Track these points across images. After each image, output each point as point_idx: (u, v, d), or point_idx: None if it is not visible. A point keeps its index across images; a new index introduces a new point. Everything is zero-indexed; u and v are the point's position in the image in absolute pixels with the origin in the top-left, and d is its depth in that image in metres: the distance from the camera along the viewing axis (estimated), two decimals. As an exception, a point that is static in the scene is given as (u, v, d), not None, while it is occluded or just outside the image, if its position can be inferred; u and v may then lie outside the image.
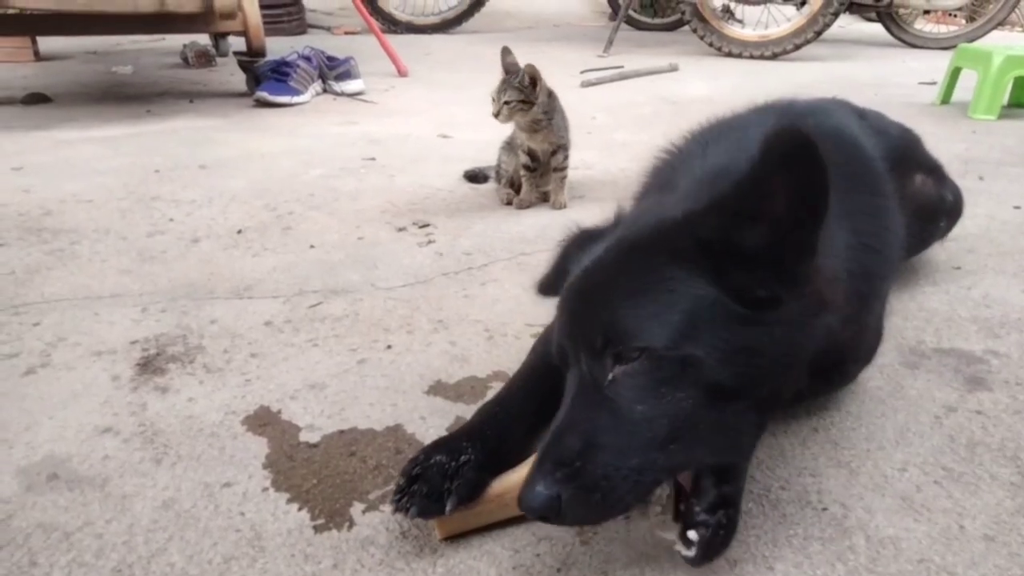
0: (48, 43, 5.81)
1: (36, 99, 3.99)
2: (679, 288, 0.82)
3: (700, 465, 0.85)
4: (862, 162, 1.17)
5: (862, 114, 1.51)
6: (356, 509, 1.01)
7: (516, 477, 0.98)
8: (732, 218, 0.80)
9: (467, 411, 1.17)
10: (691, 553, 0.86)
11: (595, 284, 0.89)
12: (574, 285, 0.92)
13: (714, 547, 0.86)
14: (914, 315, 1.56)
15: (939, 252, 1.84)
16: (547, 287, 1.10)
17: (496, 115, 2.18)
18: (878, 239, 1.06)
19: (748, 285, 0.81)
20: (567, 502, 0.77)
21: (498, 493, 0.96)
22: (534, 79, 2.15)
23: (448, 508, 0.92)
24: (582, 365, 0.85)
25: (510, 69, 2.18)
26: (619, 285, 0.85)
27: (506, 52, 2.21)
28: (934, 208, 1.64)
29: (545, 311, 1.40)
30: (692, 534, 0.85)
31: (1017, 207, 2.25)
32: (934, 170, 1.68)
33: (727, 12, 6.64)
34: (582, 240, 1.05)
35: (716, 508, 0.86)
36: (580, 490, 0.77)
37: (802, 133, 0.72)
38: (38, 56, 5.55)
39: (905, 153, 1.62)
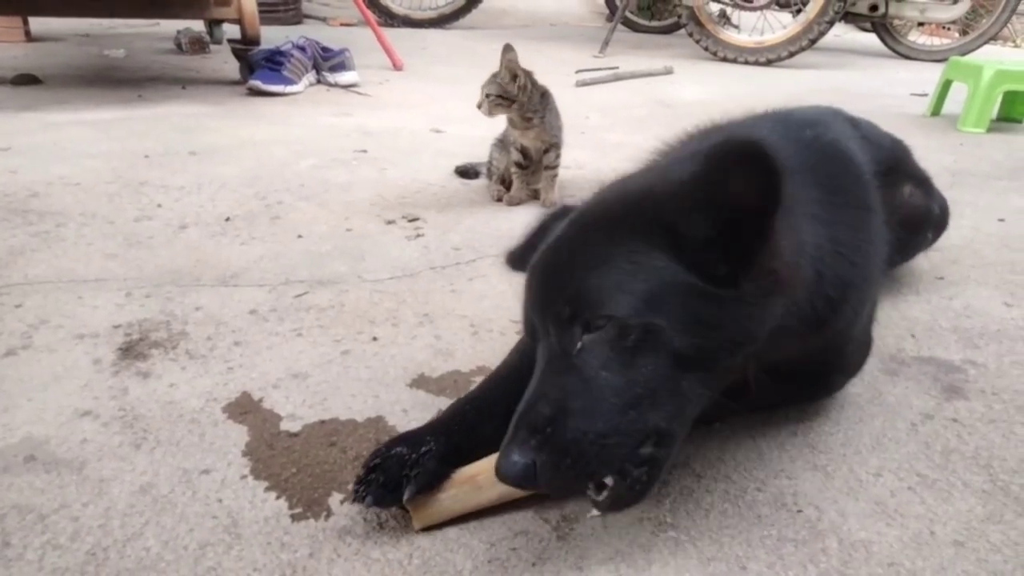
0: (40, 24, 5.75)
1: (26, 80, 3.95)
2: (642, 260, 0.85)
3: (652, 431, 0.86)
4: (853, 176, 1.17)
5: (855, 123, 1.52)
6: (334, 499, 1.01)
7: (487, 461, 0.98)
8: (686, 205, 0.85)
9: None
10: (600, 498, 0.86)
11: (560, 257, 0.92)
12: (539, 260, 0.95)
13: (624, 499, 0.86)
14: (896, 323, 1.57)
15: (923, 262, 1.86)
16: (516, 260, 1.13)
17: (479, 107, 2.20)
18: (856, 251, 1.07)
19: (707, 262, 0.85)
20: (541, 468, 0.80)
21: (470, 475, 0.97)
22: (514, 75, 2.16)
23: (406, 496, 0.93)
24: (550, 336, 0.88)
25: (508, 66, 2.18)
26: (584, 257, 0.89)
27: (507, 49, 2.20)
28: (921, 219, 1.65)
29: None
30: (609, 479, 0.85)
31: (1002, 220, 2.27)
32: (922, 181, 1.69)
33: (724, 17, 6.65)
34: (557, 218, 1.06)
35: (640, 464, 0.86)
36: (553, 455, 0.80)
37: (754, 144, 0.79)
38: (29, 37, 5.48)
39: (895, 163, 1.63)
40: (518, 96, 2.16)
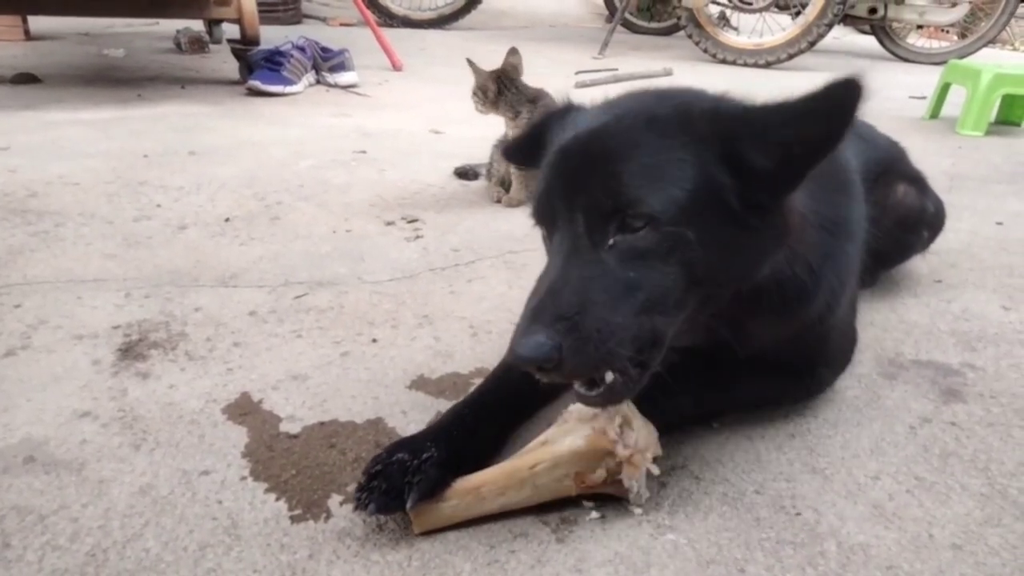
0: (39, 23, 5.74)
1: (25, 79, 3.95)
2: (690, 172, 0.86)
3: (655, 335, 0.89)
4: (837, 164, 1.18)
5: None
6: (334, 501, 1.01)
7: (491, 472, 0.99)
8: (759, 133, 0.86)
9: (448, 407, 1.18)
10: (592, 393, 0.90)
11: (600, 147, 0.90)
12: (573, 148, 0.92)
13: (616, 395, 0.91)
14: (894, 326, 1.57)
15: (921, 265, 1.87)
16: (516, 153, 1.13)
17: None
18: (836, 228, 1.10)
19: (750, 191, 0.87)
20: (567, 351, 0.81)
21: (473, 486, 0.97)
22: (485, 90, 2.21)
23: (408, 504, 0.93)
24: (577, 226, 0.87)
25: (506, 68, 2.20)
26: (632, 154, 0.87)
27: (511, 52, 2.24)
28: (916, 218, 1.66)
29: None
30: (609, 376, 0.88)
31: (1000, 223, 2.28)
32: (916, 181, 1.70)
33: (723, 19, 6.66)
34: (564, 114, 1.06)
35: (636, 365, 0.89)
36: (578, 341, 0.82)
37: (863, 88, 0.80)
38: (28, 35, 5.48)
39: (890, 164, 1.64)
40: (494, 103, 2.21)
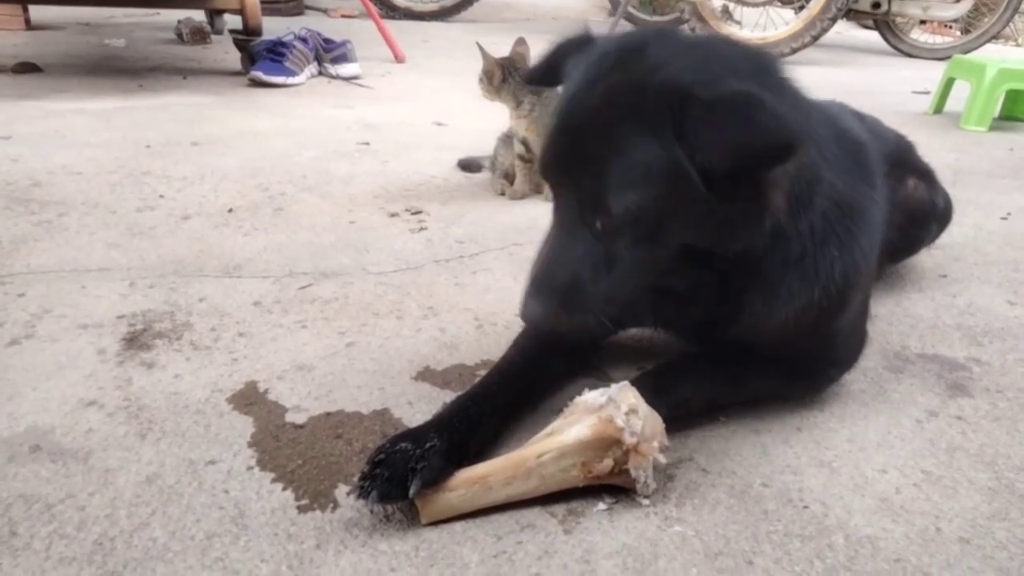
0: (39, 12, 5.71)
1: (26, 68, 3.93)
2: (662, 164, 0.91)
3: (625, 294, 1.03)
4: (864, 162, 1.18)
5: (861, 117, 1.52)
6: (341, 491, 1.01)
7: (498, 463, 0.99)
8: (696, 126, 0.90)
9: (454, 398, 1.18)
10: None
11: (592, 124, 0.96)
12: (571, 111, 1.00)
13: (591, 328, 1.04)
14: (900, 320, 1.57)
15: (926, 260, 1.86)
16: (535, 78, 1.21)
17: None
18: (852, 212, 1.11)
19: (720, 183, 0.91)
20: (562, 316, 1.00)
21: (480, 475, 0.97)
22: (490, 76, 2.21)
23: (411, 491, 0.93)
24: (573, 205, 0.99)
25: (513, 56, 2.20)
26: (613, 152, 0.93)
27: (519, 42, 2.25)
28: (925, 212, 1.66)
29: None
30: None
31: (1004, 218, 2.27)
32: (926, 175, 1.70)
33: (726, 13, 6.62)
34: (582, 43, 1.10)
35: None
36: (569, 308, 0.99)
37: (795, 147, 0.87)
38: (29, 25, 5.45)
39: (900, 157, 1.64)
40: (497, 89, 2.21)
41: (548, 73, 1.14)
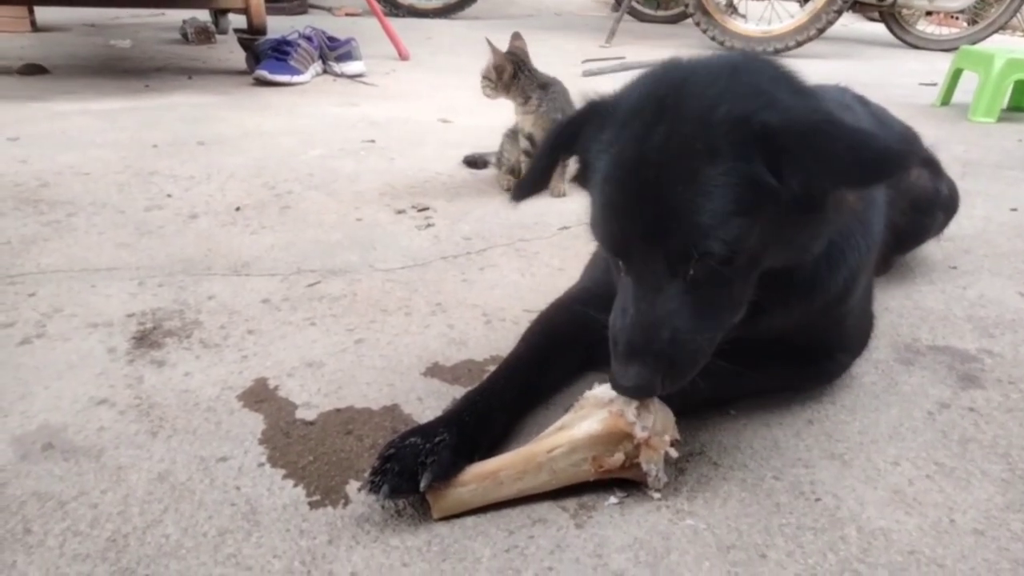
0: (45, 14, 5.74)
1: (33, 70, 3.95)
2: (748, 192, 0.89)
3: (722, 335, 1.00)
4: None
5: (865, 102, 1.51)
6: (352, 487, 1.01)
7: (509, 457, 0.99)
8: (795, 153, 0.89)
9: (463, 393, 1.17)
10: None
11: (668, 177, 0.90)
12: (636, 174, 0.92)
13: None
14: (910, 312, 1.56)
15: (935, 251, 1.85)
16: (557, 152, 1.11)
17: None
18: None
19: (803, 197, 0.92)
20: (665, 379, 0.94)
21: (491, 470, 0.97)
22: (501, 70, 2.19)
23: (422, 485, 0.93)
24: (658, 263, 0.93)
25: (514, 50, 2.20)
26: (698, 197, 0.89)
27: (515, 36, 2.25)
28: (930, 200, 1.65)
29: (542, 298, 1.40)
30: None
31: (1014, 209, 2.26)
32: (930, 163, 1.69)
33: (730, 6, 6.60)
34: (594, 111, 1.03)
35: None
36: (672, 368, 0.95)
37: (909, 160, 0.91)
38: (35, 27, 5.48)
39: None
40: (507, 85, 2.20)
41: (565, 150, 1.09)
